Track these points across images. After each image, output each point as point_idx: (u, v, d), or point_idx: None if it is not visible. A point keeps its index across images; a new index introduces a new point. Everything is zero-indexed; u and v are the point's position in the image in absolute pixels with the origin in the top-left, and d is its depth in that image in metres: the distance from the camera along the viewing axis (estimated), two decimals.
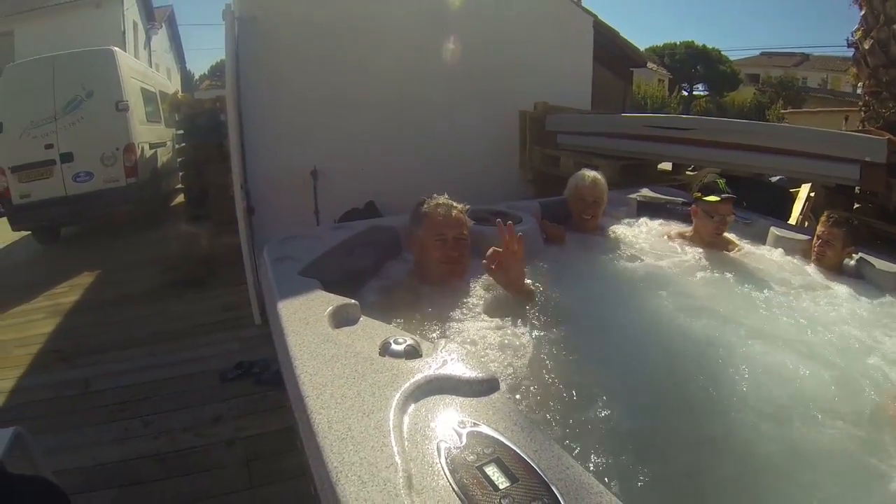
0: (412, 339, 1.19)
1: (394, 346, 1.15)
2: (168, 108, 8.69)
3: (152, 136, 8.05)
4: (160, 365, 3.34)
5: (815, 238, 2.29)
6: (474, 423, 0.89)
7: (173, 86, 12.22)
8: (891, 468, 1.15)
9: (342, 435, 0.86)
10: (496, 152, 5.13)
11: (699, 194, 2.39)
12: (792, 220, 3.74)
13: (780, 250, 2.42)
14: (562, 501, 0.73)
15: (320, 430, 0.87)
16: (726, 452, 1.14)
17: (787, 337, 1.64)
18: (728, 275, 2.10)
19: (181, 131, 8.36)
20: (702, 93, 32.24)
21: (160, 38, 17.59)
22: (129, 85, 7.24)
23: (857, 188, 3.29)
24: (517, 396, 1.18)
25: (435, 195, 1.91)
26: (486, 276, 1.74)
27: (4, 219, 7.12)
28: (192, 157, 7.50)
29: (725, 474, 1.08)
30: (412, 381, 1.00)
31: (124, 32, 13.31)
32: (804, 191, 4.04)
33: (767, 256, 2.40)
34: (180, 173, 8.13)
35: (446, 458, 0.81)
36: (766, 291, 1.99)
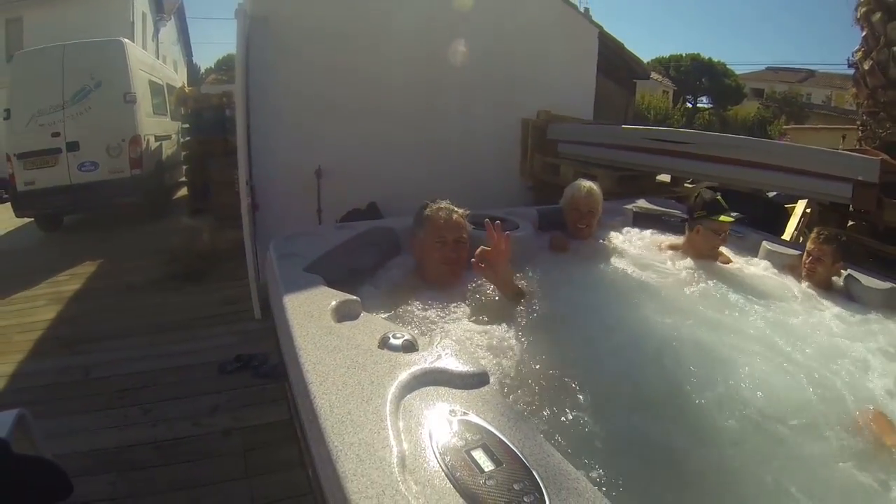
0: (410, 334, 1.26)
1: (392, 340, 1.21)
2: (175, 101, 8.75)
3: (158, 129, 8.12)
4: (160, 355, 3.39)
5: (805, 255, 2.32)
6: (464, 413, 0.96)
7: (180, 79, 12.29)
8: (870, 476, 1.21)
9: (342, 418, 0.93)
10: (498, 159, 5.17)
11: (704, 212, 2.37)
12: (786, 236, 3.80)
13: (771, 264, 2.46)
14: (541, 484, 0.80)
15: (322, 413, 0.94)
16: (702, 451, 1.21)
17: (772, 348, 1.68)
18: (718, 286, 2.14)
19: (187, 125, 8.42)
20: (706, 105, 32.35)
21: (168, 30, 17.61)
22: (138, 77, 7.30)
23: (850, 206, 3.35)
24: (505, 390, 1.25)
25: (437, 199, 1.98)
26: (482, 279, 1.81)
27: (7, 205, 7.18)
28: (196, 151, 7.55)
29: (698, 469, 1.15)
30: (408, 372, 1.06)
31: (133, 23, 13.34)
32: (800, 207, 4.09)
33: (758, 270, 2.43)
34: (184, 167, 8.19)
35: (437, 442, 0.88)
36: (754, 304, 2.03)
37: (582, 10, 7.38)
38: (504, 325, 1.55)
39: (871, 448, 1.31)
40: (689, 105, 31.15)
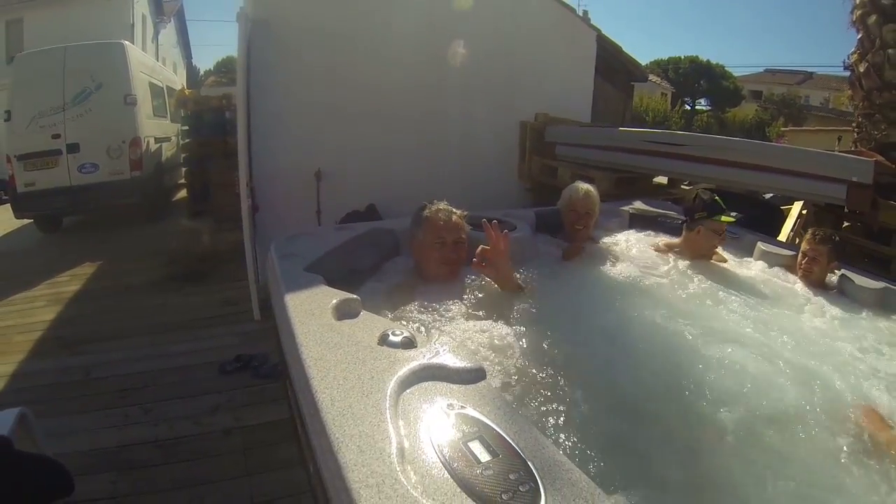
0: (408, 331, 1.28)
1: (391, 337, 1.24)
2: (175, 103, 8.78)
3: (158, 131, 8.15)
4: (160, 355, 3.41)
5: (800, 255, 2.35)
6: (461, 406, 0.98)
7: (179, 81, 12.33)
8: (863, 472, 1.23)
9: (343, 411, 0.95)
10: (497, 161, 5.20)
11: (704, 213, 2.39)
12: (782, 237, 3.83)
13: (766, 264, 2.49)
14: (536, 475, 0.82)
15: (324, 406, 0.97)
16: (696, 447, 1.23)
17: (768, 346, 1.70)
18: (714, 285, 2.17)
19: (186, 127, 8.46)
20: (704, 108, 32.43)
21: (168, 33, 17.66)
22: (138, 79, 7.33)
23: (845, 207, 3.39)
24: (501, 385, 1.27)
25: (436, 201, 2.01)
26: (479, 278, 1.84)
27: (7, 206, 7.19)
28: (196, 153, 7.58)
29: (691, 465, 1.17)
30: (407, 367, 1.09)
31: (133, 25, 13.39)
32: (796, 208, 4.13)
33: (753, 270, 2.46)
34: (184, 169, 8.21)
35: (435, 434, 0.90)
36: (749, 303, 2.05)
37: (581, 13, 7.44)
38: (500, 323, 1.57)
39: (864, 444, 1.33)
40: (688, 107, 31.26)
